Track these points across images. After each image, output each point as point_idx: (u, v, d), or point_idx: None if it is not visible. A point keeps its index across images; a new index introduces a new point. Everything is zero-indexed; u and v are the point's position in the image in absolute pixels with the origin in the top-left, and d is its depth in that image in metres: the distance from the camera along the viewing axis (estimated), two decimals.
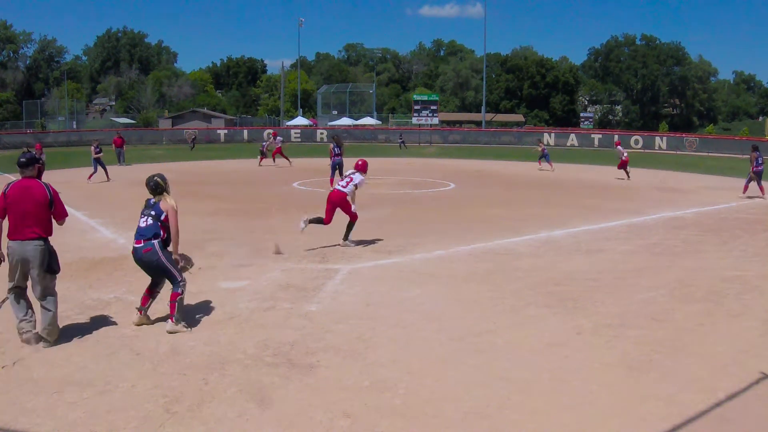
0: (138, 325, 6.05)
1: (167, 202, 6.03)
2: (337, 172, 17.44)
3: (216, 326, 6.04)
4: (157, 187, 6.09)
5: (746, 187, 16.88)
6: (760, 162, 16.59)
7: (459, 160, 31.87)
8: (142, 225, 5.97)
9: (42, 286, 5.44)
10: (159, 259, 5.89)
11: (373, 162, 30.75)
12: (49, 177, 20.94)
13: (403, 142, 43.01)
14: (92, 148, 21.05)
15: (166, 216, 5.95)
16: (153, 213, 5.97)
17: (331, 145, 18.08)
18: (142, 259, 5.95)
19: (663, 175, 24.30)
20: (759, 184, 16.67)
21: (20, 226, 5.35)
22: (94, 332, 5.85)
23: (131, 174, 23.06)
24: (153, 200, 6.08)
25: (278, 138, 29.01)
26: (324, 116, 68.38)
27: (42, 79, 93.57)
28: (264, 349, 5.45)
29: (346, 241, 9.85)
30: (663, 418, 4.25)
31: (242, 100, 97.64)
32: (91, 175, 20.30)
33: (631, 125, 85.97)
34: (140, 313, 6.10)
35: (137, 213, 6.17)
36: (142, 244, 5.88)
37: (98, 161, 20.67)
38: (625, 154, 22.04)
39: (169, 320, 5.90)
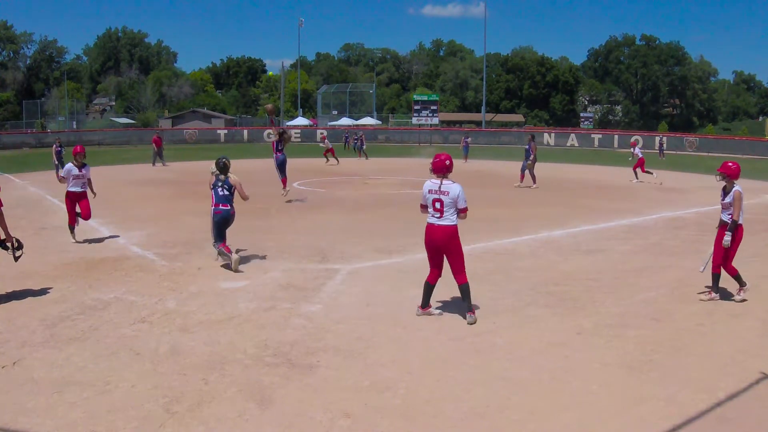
0: (237, 268, 7.99)
1: (233, 178, 8.48)
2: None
3: (216, 326, 6.04)
4: (225, 167, 8.47)
5: (522, 176, 18.84)
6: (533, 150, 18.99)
7: (458, 161, 31.82)
8: (221, 194, 8.37)
9: None
10: (234, 217, 8.51)
11: (372, 162, 30.45)
12: (48, 176, 20.95)
13: (357, 142, 29.56)
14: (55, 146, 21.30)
15: (235, 188, 8.47)
16: (227, 186, 8.41)
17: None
18: (225, 218, 8.36)
19: (663, 175, 24.25)
20: (525, 171, 18.93)
21: None
22: (94, 332, 5.85)
23: (131, 174, 23.03)
24: (222, 177, 8.44)
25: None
26: (324, 116, 68.30)
27: (42, 79, 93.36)
28: (264, 349, 5.45)
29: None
30: (663, 418, 4.25)
31: (242, 100, 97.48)
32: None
33: (631, 125, 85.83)
34: (235, 252, 8.32)
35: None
36: (229, 208, 8.38)
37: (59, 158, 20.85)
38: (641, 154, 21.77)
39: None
